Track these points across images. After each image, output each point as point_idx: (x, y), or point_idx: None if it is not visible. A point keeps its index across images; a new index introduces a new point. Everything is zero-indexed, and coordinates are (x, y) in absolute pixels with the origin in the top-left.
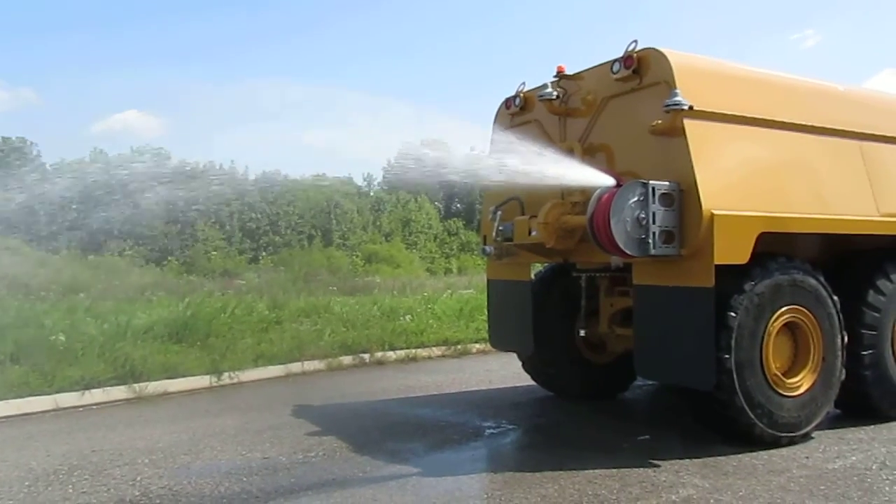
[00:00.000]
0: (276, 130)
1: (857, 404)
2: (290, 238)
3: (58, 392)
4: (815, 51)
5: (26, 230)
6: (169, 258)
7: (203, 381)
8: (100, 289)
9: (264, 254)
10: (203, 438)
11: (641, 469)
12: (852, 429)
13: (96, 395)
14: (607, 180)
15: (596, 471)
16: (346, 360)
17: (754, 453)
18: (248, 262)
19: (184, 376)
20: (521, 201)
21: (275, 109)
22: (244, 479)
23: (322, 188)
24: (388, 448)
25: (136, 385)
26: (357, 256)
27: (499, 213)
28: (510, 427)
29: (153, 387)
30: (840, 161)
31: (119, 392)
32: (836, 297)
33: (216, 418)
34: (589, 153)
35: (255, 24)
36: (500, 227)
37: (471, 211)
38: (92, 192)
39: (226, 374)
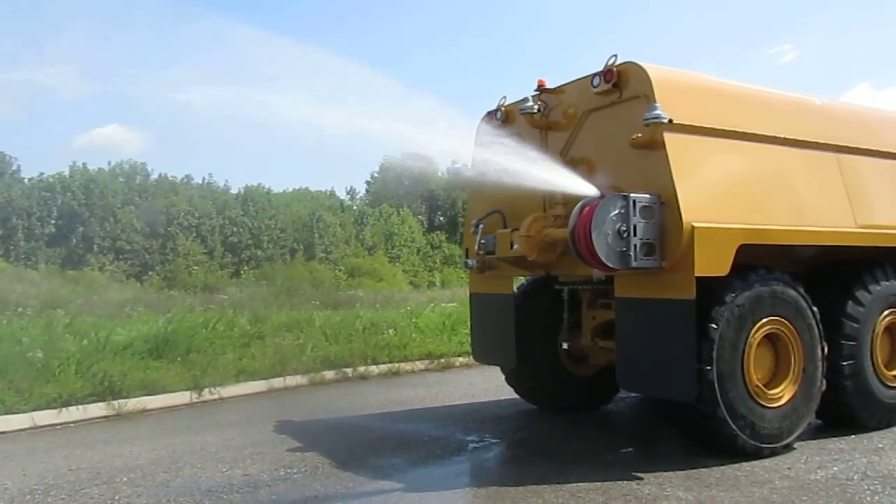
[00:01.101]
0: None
1: (837, 415)
2: (272, 252)
3: (35, 410)
4: (792, 65)
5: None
6: (150, 273)
7: (183, 397)
8: (79, 304)
9: (246, 268)
10: (183, 456)
11: (625, 482)
12: (833, 439)
13: (74, 413)
14: (590, 189)
15: (579, 484)
16: (329, 374)
17: (737, 465)
18: (229, 276)
19: (164, 392)
20: (503, 214)
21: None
22: (224, 497)
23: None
24: (370, 464)
25: (114, 402)
26: (340, 270)
27: (481, 226)
28: (493, 441)
29: (132, 403)
30: (818, 173)
31: (97, 409)
32: (815, 308)
33: (196, 435)
34: (570, 166)
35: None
36: (483, 241)
37: (454, 224)
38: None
39: (207, 390)
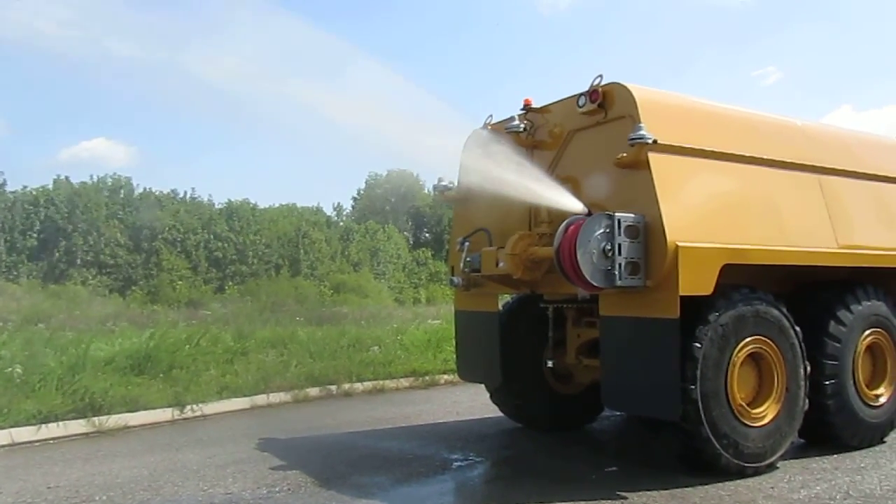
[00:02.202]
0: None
1: (820, 434)
2: (257, 267)
3: (13, 426)
4: (777, 87)
5: None
6: (133, 287)
7: (165, 414)
8: (60, 319)
9: (231, 283)
10: (164, 474)
11: (609, 501)
12: (816, 458)
13: (54, 430)
14: (577, 205)
15: (563, 503)
16: (313, 391)
17: (720, 484)
18: (214, 291)
19: (145, 409)
20: (488, 232)
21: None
22: None
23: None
24: (354, 482)
25: (95, 419)
26: (325, 286)
27: (466, 244)
28: (478, 459)
29: (113, 420)
30: (800, 194)
31: (78, 426)
32: (798, 328)
33: (178, 453)
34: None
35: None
36: (468, 258)
37: (439, 241)
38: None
39: (189, 407)
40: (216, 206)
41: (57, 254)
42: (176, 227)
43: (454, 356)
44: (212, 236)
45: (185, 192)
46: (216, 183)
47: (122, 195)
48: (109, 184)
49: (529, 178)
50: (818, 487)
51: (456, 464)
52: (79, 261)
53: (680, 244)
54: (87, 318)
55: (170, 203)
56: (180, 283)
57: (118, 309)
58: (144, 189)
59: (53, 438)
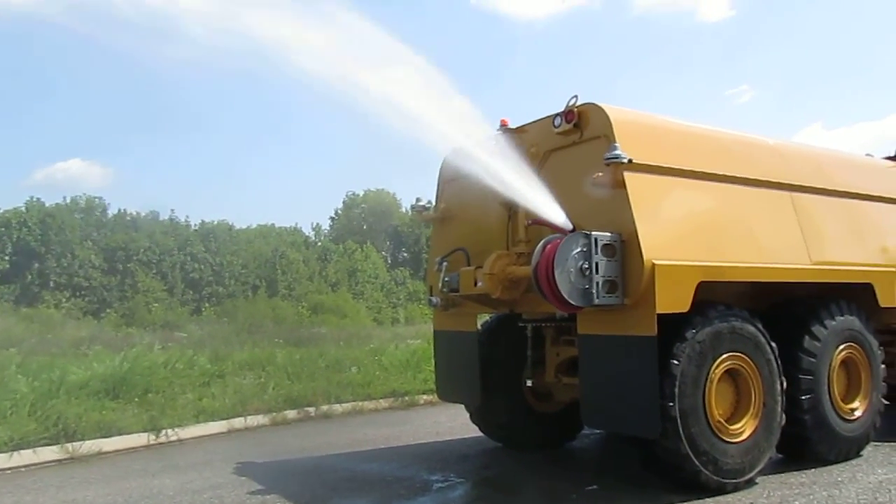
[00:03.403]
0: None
1: (798, 448)
2: (234, 289)
3: None
4: (750, 105)
5: None
6: (108, 310)
7: (141, 438)
8: (33, 342)
9: (207, 305)
10: (139, 500)
11: None
12: (795, 473)
13: (26, 456)
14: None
15: None
16: (291, 414)
17: (700, 500)
18: (190, 313)
19: (120, 434)
20: (466, 252)
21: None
22: None
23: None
24: None
25: (69, 444)
26: (303, 307)
27: (444, 263)
28: (458, 480)
29: (87, 446)
30: (773, 211)
31: (51, 452)
32: (773, 344)
33: (154, 478)
34: None
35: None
36: (446, 278)
37: (417, 260)
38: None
39: (165, 432)
40: (193, 227)
41: (29, 276)
42: (152, 248)
43: (434, 376)
44: (188, 257)
45: (163, 214)
46: (195, 203)
47: (95, 216)
48: (83, 205)
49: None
50: (797, 502)
51: (437, 485)
52: (52, 283)
53: (656, 262)
54: (61, 342)
55: (146, 224)
56: (156, 304)
57: (92, 332)
58: (119, 210)
59: (26, 466)
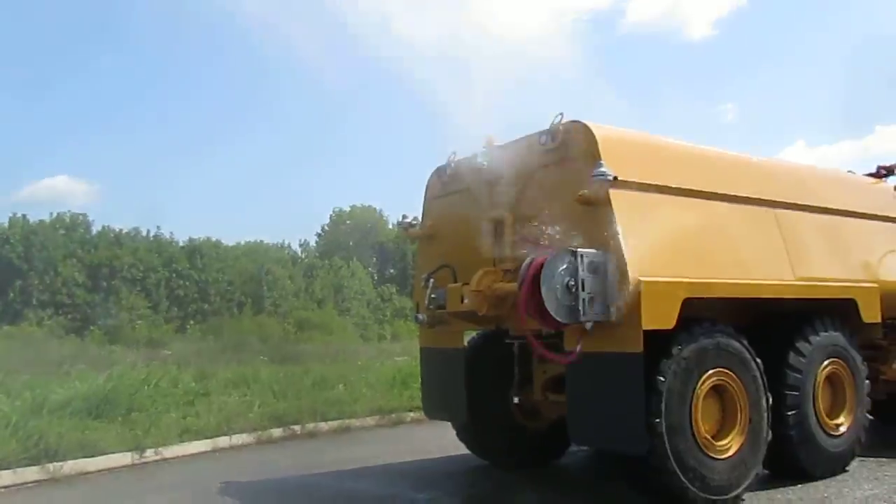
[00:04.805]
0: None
1: (784, 464)
2: (219, 306)
3: None
4: (735, 123)
5: None
6: (91, 328)
7: (124, 458)
8: (14, 361)
9: (192, 322)
10: None
11: None
12: (781, 489)
13: (6, 477)
14: None
15: None
16: (277, 432)
17: None
18: (175, 330)
19: (103, 454)
20: (453, 269)
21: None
22: None
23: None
24: None
25: (50, 465)
26: (289, 323)
27: (431, 280)
28: (444, 498)
29: (69, 466)
30: (757, 228)
31: (31, 473)
32: (759, 360)
33: (137, 499)
34: (519, 222)
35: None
36: (433, 295)
37: (404, 276)
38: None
39: (149, 451)
40: (180, 244)
41: (11, 294)
42: (136, 265)
43: (420, 393)
44: (173, 274)
45: (148, 231)
46: (181, 221)
47: (79, 233)
48: (67, 221)
49: None
50: None
51: (423, 503)
52: (34, 301)
53: (642, 279)
54: (43, 360)
55: (130, 241)
56: (140, 322)
57: (75, 350)
58: (103, 226)
59: (5, 486)
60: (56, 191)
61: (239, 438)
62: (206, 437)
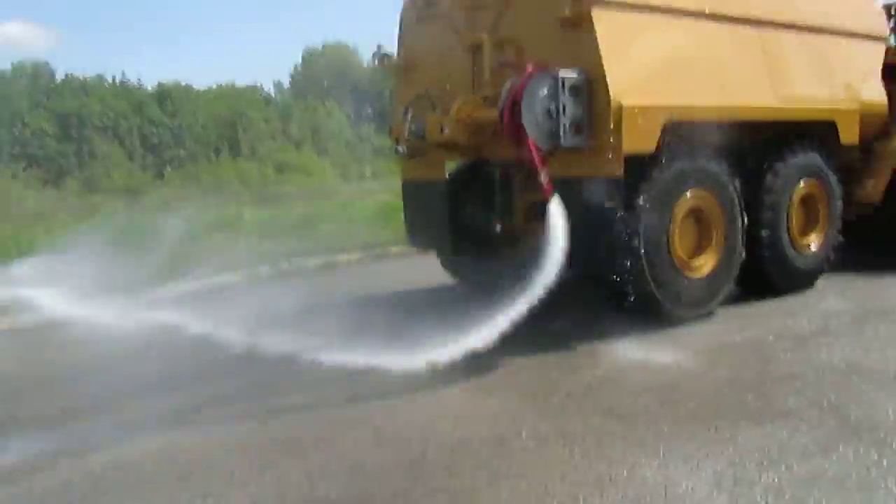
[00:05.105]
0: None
1: (756, 282)
2: (195, 151)
3: None
4: None
5: None
6: (67, 178)
7: None
8: None
9: (169, 168)
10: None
11: (560, 353)
12: (753, 304)
13: None
14: None
15: (515, 359)
16: (264, 269)
17: (663, 330)
18: (153, 178)
19: None
20: (432, 99)
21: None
22: None
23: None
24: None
25: None
26: (268, 166)
27: (410, 112)
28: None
29: None
30: (742, 50)
31: None
32: (736, 182)
33: None
34: (498, 46)
35: None
36: (412, 127)
37: (381, 116)
38: None
39: None
40: (147, 89)
41: None
42: (106, 113)
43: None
44: (145, 121)
45: (114, 77)
46: (147, 65)
47: (43, 81)
48: (28, 70)
49: None
50: (753, 331)
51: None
52: (5, 154)
53: (624, 103)
54: (23, 214)
55: (97, 88)
56: (116, 171)
57: (54, 202)
58: (67, 74)
59: None
60: (10, 38)
61: (226, 277)
62: (195, 280)
